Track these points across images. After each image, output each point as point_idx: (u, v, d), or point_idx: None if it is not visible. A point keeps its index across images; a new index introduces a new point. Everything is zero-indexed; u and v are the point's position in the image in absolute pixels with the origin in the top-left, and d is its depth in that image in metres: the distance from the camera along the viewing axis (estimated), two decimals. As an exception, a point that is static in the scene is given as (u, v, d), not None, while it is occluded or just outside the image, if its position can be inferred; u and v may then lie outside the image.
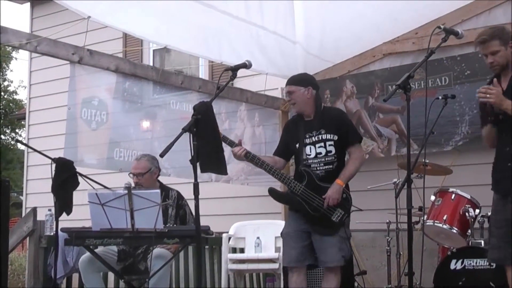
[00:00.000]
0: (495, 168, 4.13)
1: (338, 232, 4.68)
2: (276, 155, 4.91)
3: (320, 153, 4.72)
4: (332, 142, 4.73)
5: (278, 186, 6.87)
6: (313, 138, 4.74)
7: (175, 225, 5.06)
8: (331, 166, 4.73)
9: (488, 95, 3.90)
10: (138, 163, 5.31)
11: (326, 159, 4.72)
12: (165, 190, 5.29)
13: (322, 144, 4.72)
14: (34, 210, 6.16)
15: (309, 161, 4.72)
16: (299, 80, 4.85)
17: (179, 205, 5.29)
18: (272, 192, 4.79)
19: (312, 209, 4.63)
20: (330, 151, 4.72)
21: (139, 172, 5.23)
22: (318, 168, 4.71)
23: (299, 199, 4.64)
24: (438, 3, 6.37)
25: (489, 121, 4.12)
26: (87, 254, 4.93)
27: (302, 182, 4.66)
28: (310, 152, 4.73)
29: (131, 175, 5.26)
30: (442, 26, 4.01)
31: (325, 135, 4.73)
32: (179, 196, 5.33)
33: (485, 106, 4.06)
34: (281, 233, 4.91)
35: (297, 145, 4.77)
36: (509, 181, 3.96)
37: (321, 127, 4.75)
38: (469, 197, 5.24)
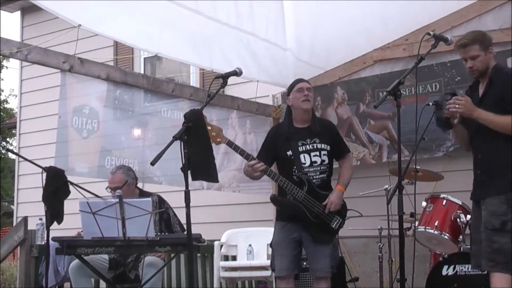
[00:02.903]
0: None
1: (333, 240, 4.73)
2: (266, 164, 4.75)
3: (316, 162, 4.70)
4: (326, 152, 4.74)
5: (270, 193, 6.92)
6: (307, 146, 4.72)
7: (161, 233, 5.01)
8: (325, 175, 4.74)
9: (457, 106, 3.93)
10: (113, 177, 5.12)
11: (321, 168, 4.72)
12: (145, 196, 5.11)
13: (318, 153, 4.71)
14: (25, 219, 6.14)
15: (304, 169, 4.68)
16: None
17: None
18: (275, 200, 4.78)
19: (313, 216, 4.62)
20: (324, 161, 4.73)
21: (116, 186, 5.02)
22: (314, 177, 4.69)
23: (302, 206, 4.62)
24: (429, 9, 6.39)
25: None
26: (77, 260, 4.87)
27: (303, 189, 4.64)
28: (305, 160, 4.69)
29: (108, 189, 5.08)
30: (431, 33, 4.03)
31: (319, 144, 4.72)
32: (161, 200, 5.23)
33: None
34: (271, 244, 4.89)
35: (289, 153, 4.71)
36: (479, 188, 4.05)
37: (316, 136, 4.74)
38: (460, 203, 5.25)
